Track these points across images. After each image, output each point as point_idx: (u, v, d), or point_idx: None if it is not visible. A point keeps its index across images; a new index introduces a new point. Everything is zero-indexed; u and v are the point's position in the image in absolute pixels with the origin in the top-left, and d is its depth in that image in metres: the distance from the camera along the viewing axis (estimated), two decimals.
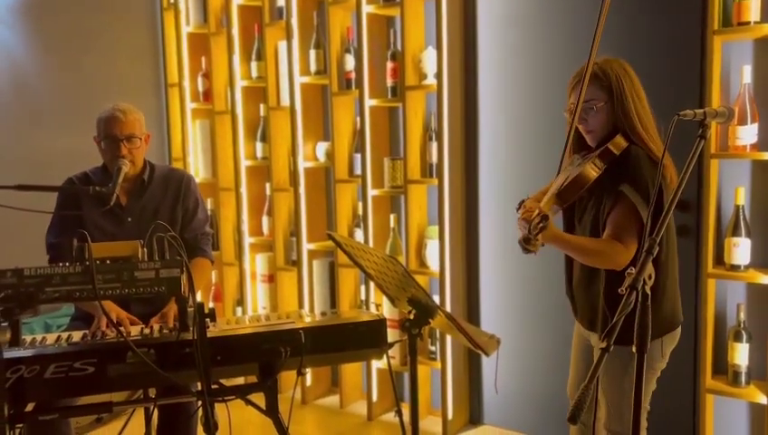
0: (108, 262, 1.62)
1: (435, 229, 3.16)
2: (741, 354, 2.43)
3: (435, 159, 3.13)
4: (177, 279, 1.65)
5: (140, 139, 2.33)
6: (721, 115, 1.60)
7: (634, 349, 1.39)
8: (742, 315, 2.44)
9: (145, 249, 1.69)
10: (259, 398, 1.86)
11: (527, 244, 1.79)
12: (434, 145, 3.14)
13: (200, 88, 3.98)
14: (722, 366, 2.53)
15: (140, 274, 1.63)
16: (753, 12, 2.35)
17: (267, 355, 1.82)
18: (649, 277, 1.38)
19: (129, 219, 2.36)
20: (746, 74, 2.41)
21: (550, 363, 3.02)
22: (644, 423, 2.03)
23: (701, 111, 1.55)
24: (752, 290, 2.52)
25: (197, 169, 4.04)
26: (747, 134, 2.41)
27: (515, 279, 3.09)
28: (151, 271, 1.63)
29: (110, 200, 2.10)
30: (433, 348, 3.23)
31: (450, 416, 3.16)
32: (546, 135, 2.96)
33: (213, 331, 1.85)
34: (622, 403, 1.92)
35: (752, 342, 2.43)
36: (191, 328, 1.70)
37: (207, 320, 1.78)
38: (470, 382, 3.26)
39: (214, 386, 1.83)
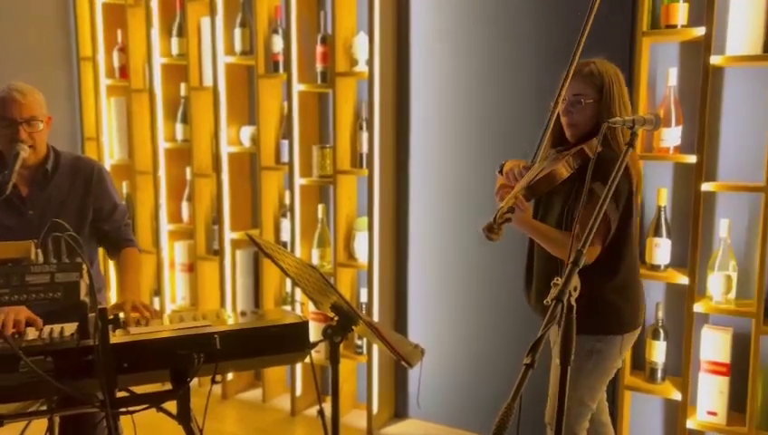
0: None
1: (364, 221, 3.09)
2: (658, 352, 2.49)
3: (365, 148, 3.04)
4: (75, 284, 1.49)
5: (42, 121, 2.12)
6: (648, 123, 1.61)
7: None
8: (660, 314, 2.49)
9: (40, 250, 1.53)
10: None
11: (490, 232, 1.81)
12: (365, 134, 3.04)
13: (116, 63, 3.72)
14: (640, 363, 2.59)
15: (33, 278, 1.47)
16: (680, 15, 2.37)
17: (179, 361, 1.70)
18: (575, 289, 1.35)
19: (31, 212, 2.16)
20: (672, 77, 2.43)
21: (476, 357, 3.02)
22: (585, 424, 2.04)
23: (630, 118, 1.56)
24: (670, 290, 2.57)
25: (112, 151, 3.80)
26: (671, 136, 2.44)
27: (445, 273, 3.06)
28: (46, 275, 1.47)
29: (6, 189, 1.92)
30: (359, 342, 3.17)
31: (375, 410, 3.12)
32: (478, 127, 2.92)
33: (119, 336, 1.70)
34: (573, 395, 1.92)
35: (668, 340, 2.49)
36: (92, 334, 1.56)
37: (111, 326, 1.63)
38: (396, 376, 3.23)
39: (122, 394, 1.70)
